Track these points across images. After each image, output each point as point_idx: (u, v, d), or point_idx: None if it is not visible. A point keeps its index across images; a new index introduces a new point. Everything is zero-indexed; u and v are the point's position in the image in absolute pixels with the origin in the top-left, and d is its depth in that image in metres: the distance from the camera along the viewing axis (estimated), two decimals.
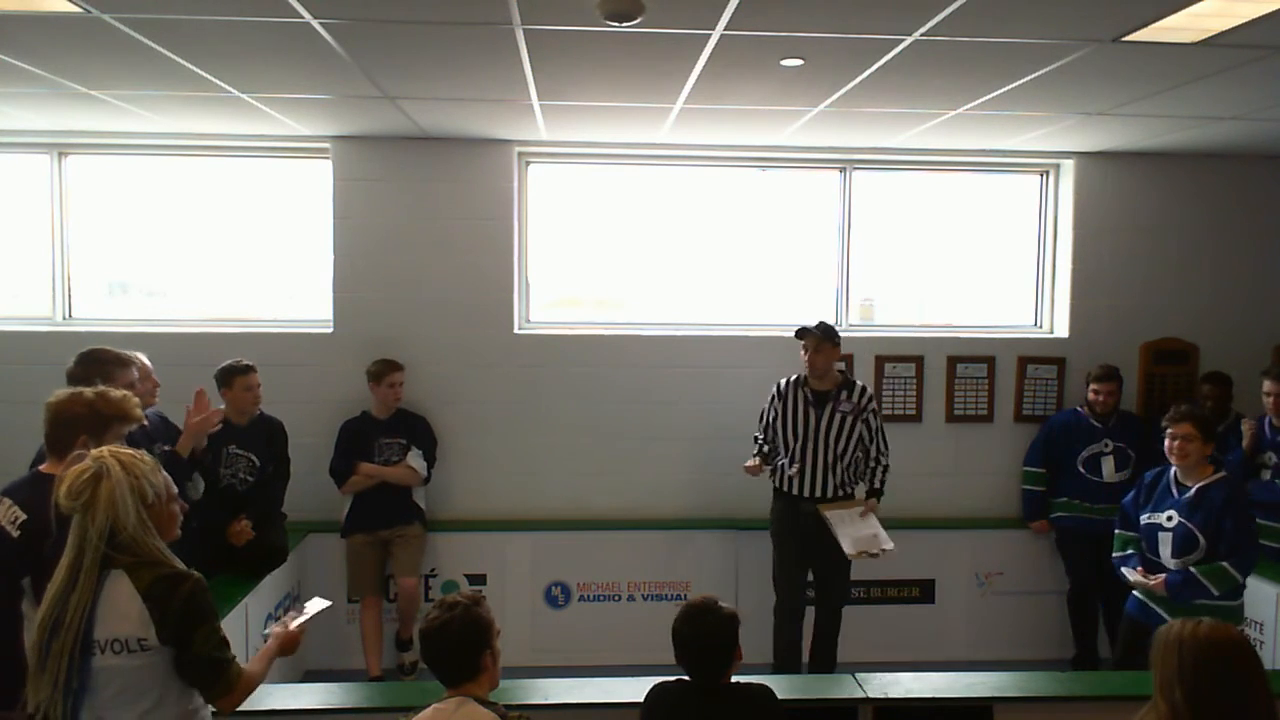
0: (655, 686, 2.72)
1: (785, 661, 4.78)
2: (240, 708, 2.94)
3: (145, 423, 3.05)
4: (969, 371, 5.68)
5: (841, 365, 4.67)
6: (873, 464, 4.71)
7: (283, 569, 4.72)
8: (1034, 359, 5.68)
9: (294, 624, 2.78)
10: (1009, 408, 5.69)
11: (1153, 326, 5.68)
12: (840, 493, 4.64)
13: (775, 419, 4.71)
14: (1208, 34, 3.20)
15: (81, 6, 3.04)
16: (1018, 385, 5.68)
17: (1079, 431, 5.27)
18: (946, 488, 5.70)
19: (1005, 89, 4.03)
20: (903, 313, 5.94)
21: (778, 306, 5.77)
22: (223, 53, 3.64)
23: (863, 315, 5.87)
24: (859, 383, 4.71)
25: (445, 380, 5.44)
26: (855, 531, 4.54)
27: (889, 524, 5.51)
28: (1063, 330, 5.73)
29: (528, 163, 5.60)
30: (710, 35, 3.30)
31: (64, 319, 5.50)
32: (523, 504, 5.53)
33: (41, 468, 2.84)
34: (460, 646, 2.30)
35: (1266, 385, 4.82)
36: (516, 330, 5.53)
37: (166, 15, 3.15)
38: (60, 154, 5.43)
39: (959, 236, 5.88)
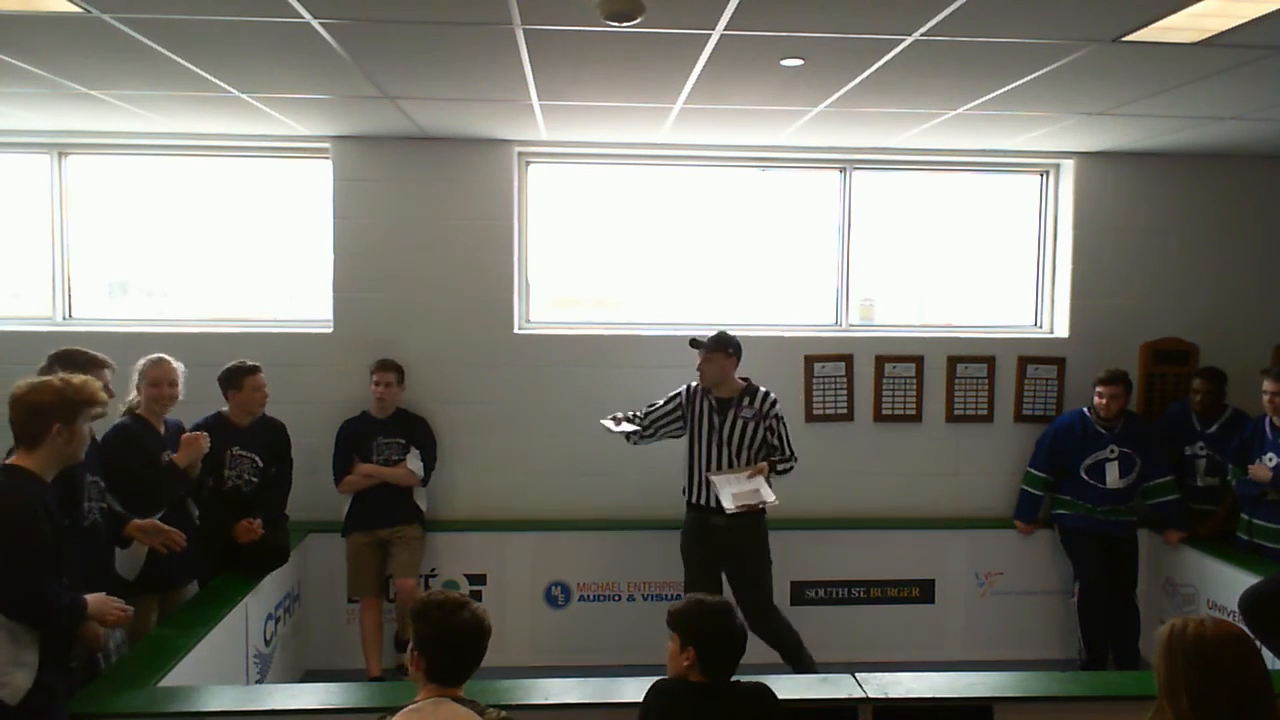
0: (655, 685, 2.71)
1: None
2: (241, 708, 2.95)
3: (106, 406, 3.08)
4: (969, 371, 5.67)
5: (745, 376, 4.72)
6: (777, 460, 4.67)
7: (283, 569, 4.71)
8: (1034, 359, 5.68)
9: None
10: (1009, 408, 5.68)
11: (1153, 326, 5.68)
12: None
13: (678, 420, 4.76)
14: (1208, 34, 3.20)
15: (81, 6, 3.04)
16: (1018, 385, 5.68)
17: (1084, 437, 5.20)
18: (946, 488, 5.70)
19: (1005, 89, 4.04)
20: (903, 313, 5.93)
21: (778, 306, 5.77)
22: (223, 53, 3.64)
23: (863, 315, 5.87)
24: (763, 390, 4.68)
25: (445, 380, 5.44)
26: (737, 488, 4.53)
27: (889, 524, 5.57)
28: (1063, 330, 5.73)
29: (528, 163, 5.60)
30: (710, 35, 3.30)
31: (64, 319, 5.49)
32: (523, 504, 5.53)
33: (12, 460, 2.83)
34: (482, 648, 2.39)
35: (1267, 385, 4.82)
36: (516, 330, 5.53)
37: (166, 15, 3.16)
38: (60, 154, 5.43)
39: (959, 236, 5.88)
